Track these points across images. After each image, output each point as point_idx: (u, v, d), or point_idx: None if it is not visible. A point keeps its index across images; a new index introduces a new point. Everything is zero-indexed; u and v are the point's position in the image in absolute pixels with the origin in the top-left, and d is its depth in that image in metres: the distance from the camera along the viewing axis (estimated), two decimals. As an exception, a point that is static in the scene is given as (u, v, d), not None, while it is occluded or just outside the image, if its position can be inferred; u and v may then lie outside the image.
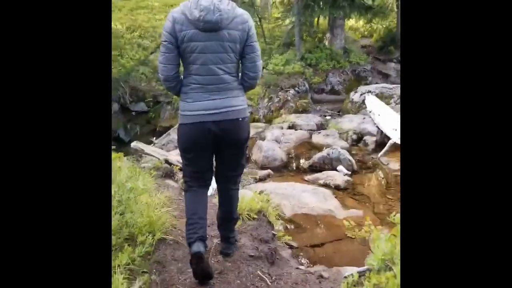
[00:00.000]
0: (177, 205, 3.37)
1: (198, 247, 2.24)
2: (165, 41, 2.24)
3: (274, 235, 3.24)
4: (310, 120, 7.17)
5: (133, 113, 9.89)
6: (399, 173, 5.33)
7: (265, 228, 3.17)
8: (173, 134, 7.43)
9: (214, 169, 2.53)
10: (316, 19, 12.06)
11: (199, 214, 2.38)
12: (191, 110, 2.30)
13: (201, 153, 2.40)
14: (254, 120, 9.50)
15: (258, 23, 11.70)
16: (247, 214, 3.16)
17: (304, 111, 9.40)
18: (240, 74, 2.39)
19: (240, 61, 2.36)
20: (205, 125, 2.28)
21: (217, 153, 2.45)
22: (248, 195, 3.48)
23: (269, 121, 9.18)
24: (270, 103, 9.68)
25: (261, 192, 4.46)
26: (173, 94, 2.56)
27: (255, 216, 3.20)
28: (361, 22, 13.76)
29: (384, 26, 12.95)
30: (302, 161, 5.55)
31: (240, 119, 2.35)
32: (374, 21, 12.59)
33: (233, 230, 2.67)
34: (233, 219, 2.63)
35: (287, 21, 12.14)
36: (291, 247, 3.55)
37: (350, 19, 12.60)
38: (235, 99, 2.34)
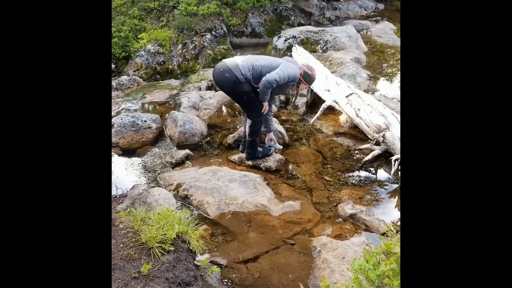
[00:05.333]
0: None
1: (241, 147, 4.34)
2: None
3: (197, 266, 2.53)
4: (231, 76, 6.25)
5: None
6: (333, 139, 4.79)
7: (185, 263, 2.43)
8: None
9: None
10: None
11: (242, 132, 4.28)
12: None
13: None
14: (168, 72, 8.38)
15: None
16: (160, 247, 2.39)
17: (224, 58, 8.43)
18: None
19: None
20: None
21: None
22: (163, 213, 2.65)
23: (184, 72, 8.13)
24: (184, 50, 8.55)
25: (178, 188, 3.69)
26: None
27: (171, 248, 2.44)
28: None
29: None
30: (226, 135, 4.76)
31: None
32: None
33: (248, 146, 4.10)
34: (247, 140, 4.08)
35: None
36: (219, 265, 2.90)
37: None
38: None
